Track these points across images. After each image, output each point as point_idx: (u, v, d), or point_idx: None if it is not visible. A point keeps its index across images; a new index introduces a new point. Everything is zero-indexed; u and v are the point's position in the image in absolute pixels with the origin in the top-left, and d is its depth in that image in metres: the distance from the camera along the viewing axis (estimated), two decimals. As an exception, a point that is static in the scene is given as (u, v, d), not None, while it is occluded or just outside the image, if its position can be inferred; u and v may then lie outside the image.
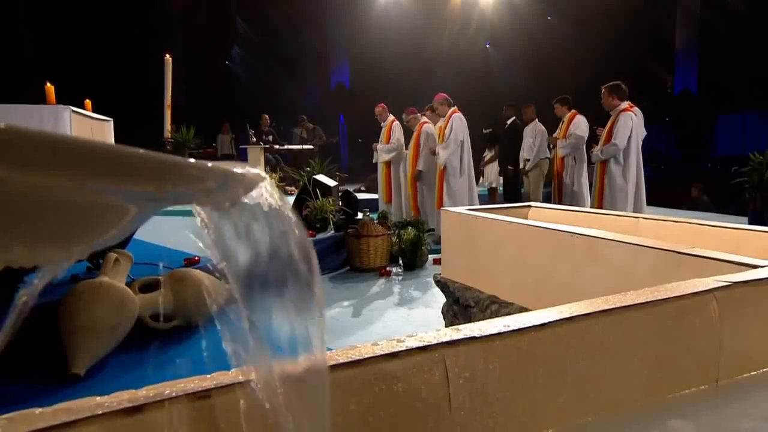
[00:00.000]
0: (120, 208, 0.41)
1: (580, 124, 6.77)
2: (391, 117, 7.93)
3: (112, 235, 0.44)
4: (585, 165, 6.87)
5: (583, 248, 1.90)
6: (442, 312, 3.18)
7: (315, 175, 6.51)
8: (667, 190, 11.77)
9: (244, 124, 11.04)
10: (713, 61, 15.55)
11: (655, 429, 1.04)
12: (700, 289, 1.12)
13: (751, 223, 6.71)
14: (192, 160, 0.43)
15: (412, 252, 5.64)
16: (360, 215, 6.14)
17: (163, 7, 14.52)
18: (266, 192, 0.49)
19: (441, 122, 7.14)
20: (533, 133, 7.92)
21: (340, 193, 6.54)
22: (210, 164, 0.44)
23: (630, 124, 5.37)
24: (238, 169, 0.46)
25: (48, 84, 5.62)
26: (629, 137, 5.38)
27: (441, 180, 6.82)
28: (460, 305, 2.71)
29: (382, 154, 7.87)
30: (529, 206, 3.06)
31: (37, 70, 10.02)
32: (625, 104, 5.56)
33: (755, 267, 1.33)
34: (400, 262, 5.77)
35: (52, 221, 0.37)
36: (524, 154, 8.03)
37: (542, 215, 2.89)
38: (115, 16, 13.20)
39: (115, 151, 0.32)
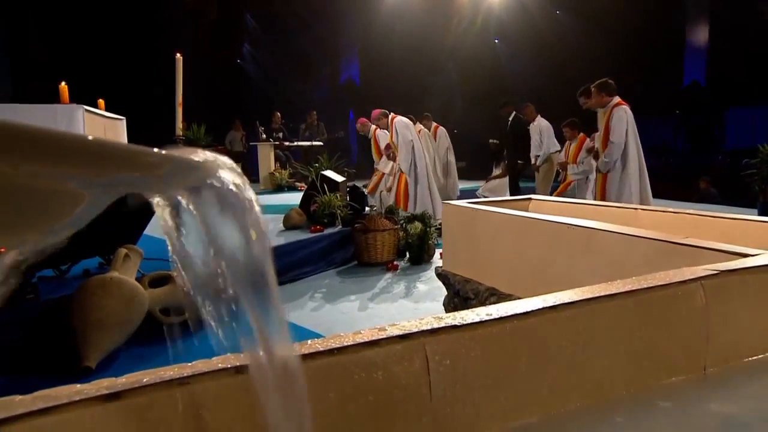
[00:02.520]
0: (72, 196, 0.42)
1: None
2: (372, 126, 7.86)
3: (68, 224, 0.44)
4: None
5: (579, 239, 1.89)
6: (444, 305, 3.18)
7: (323, 170, 6.52)
8: (675, 183, 11.65)
9: (254, 121, 11.07)
10: (722, 53, 15.33)
11: (641, 417, 1.04)
12: (687, 277, 1.11)
13: (760, 214, 6.63)
14: (148, 148, 0.43)
15: (419, 246, 5.64)
16: (367, 210, 6.14)
17: (173, 6, 14.57)
18: (225, 180, 0.49)
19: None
20: (538, 130, 7.96)
21: (347, 188, 6.55)
22: (164, 151, 0.44)
23: (624, 117, 5.31)
24: (194, 156, 0.46)
25: (62, 84, 5.67)
26: (626, 131, 5.32)
27: (400, 182, 6.89)
28: (461, 298, 2.70)
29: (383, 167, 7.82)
30: (530, 199, 3.04)
31: (51, 71, 10.12)
32: (617, 99, 5.47)
33: (747, 256, 1.31)
34: (407, 256, 5.77)
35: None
36: (533, 151, 8.07)
37: (542, 208, 2.88)
38: (126, 15, 13.28)
39: (49, 135, 0.33)
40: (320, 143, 11.46)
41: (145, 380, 0.70)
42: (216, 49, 15.23)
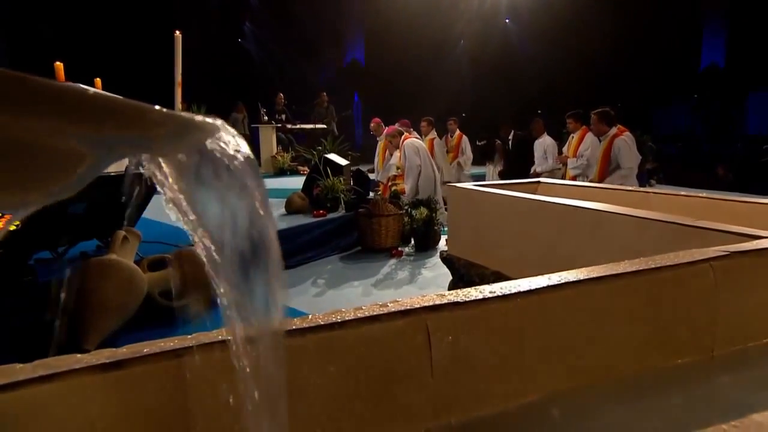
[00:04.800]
0: (73, 155, 0.43)
1: (590, 145, 6.77)
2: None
3: (71, 183, 0.45)
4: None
5: (588, 222, 1.90)
6: (448, 289, 3.20)
7: (326, 154, 6.53)
8: (692, 170, 11.57)
9: (256, 102, 11.04)
10: (743, 34, 15.12)
11: (646, 398, 1.05)
12: (697, 258, 1.12)
13: (778, 201, 6.62)
14: (149, 105, 0.44)
15: (425, 232, 5.65)
16: (371, 194, 6.15)
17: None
18: (226, 142, 0.50)
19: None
20: (543, 147, 7.91)
21: (351, 173, 6.55)
22: (166, 110, 0.45)
23: (627, 146, 5.71)
24: (194, 117, 0.47)
25: (57, 62, 5.67)
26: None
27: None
28: (466, 282, 2.72)
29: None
30: (539, 182, 3.04)
31: (48, 49, 10.11)
32: (615, 129, 5.81)
33: (759, 238, 1.32)
34: (412, 242, 5.79)
35: (2, 166, 0.39)
36: (536, 166, 7.99)
37: (552, 191, 2.88)
38: (126, -7, 13.23)
39: (47, 85, 0.34)
40: (324, 126, 11.43)
41: (145, 350, 0.72)
42: (216, 28, 15.16)
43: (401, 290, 4.47)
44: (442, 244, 5.80)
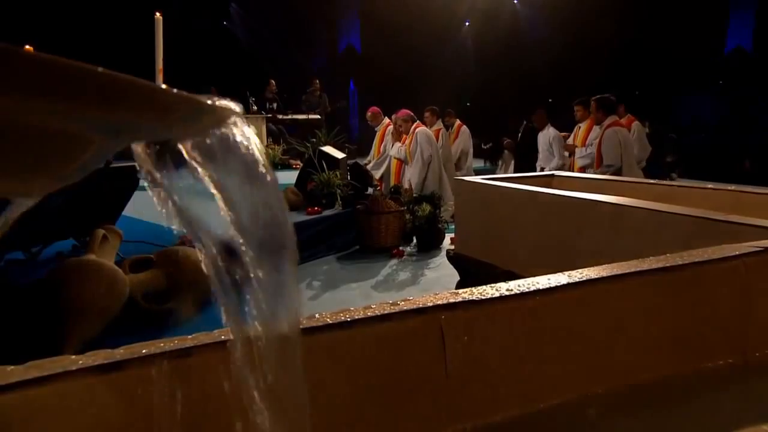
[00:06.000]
0: (80, 139, 0.44)
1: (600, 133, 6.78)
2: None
3: (78, 168, 0.47)
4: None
5: (609, 217, 1.92)
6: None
7: (321, 146, 6.53)
8: (716, 163, 11.59)
9: (245, 90, 11.02)
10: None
11: (674, 404, 1.07)
12: (727, 254, 1.13)
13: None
14: (162, 86, 0.45)
15: (428, 230, 5.66)
16: (370, 190, 6.16)
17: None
18: (238, 129, 0.51)
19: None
20: (548, 140, 7.80)
21: (348, 166, 6.56)
22: (177, 91, 0.46)
23: (616, 139, 5.65)
24: (208, 99, 0.48)
25: (27, 46, 5.67)
26: (620, 153, 5.68)
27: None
28: (475, 282, 2.73)
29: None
30: (553, 175, 3.06)
31: (16, 31, 10.08)
32: (612, 119, 5.83)
33: (793, 233, 1.33)
34: (414, 241, 5.80)
35: (5, 149, 0.40)
36: (540, 162, 7.90)
37: (567, 184, 2.89)
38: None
39: (69, 66, 0.35)
40: (318, 116, 11.42)
41: (144, 351, 0.73)
42: (200, 9, 15.13)
43: (403, 292, 4.49)
44: (447, 243, 5.81)
